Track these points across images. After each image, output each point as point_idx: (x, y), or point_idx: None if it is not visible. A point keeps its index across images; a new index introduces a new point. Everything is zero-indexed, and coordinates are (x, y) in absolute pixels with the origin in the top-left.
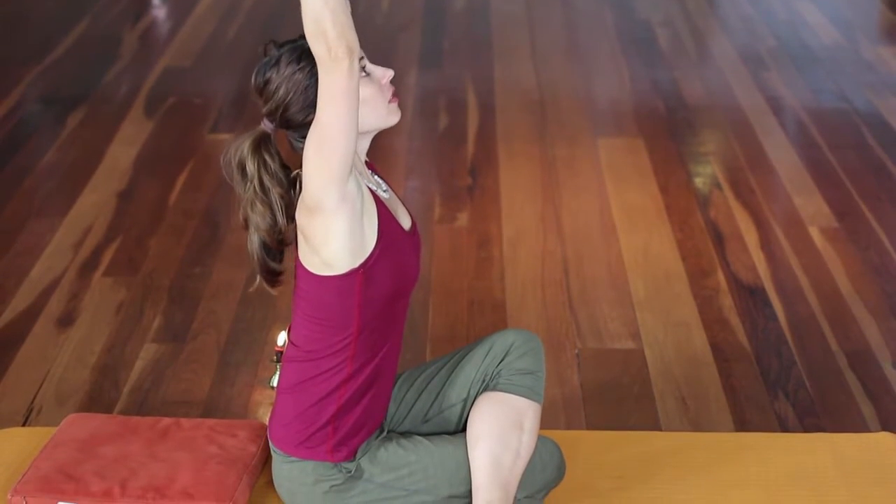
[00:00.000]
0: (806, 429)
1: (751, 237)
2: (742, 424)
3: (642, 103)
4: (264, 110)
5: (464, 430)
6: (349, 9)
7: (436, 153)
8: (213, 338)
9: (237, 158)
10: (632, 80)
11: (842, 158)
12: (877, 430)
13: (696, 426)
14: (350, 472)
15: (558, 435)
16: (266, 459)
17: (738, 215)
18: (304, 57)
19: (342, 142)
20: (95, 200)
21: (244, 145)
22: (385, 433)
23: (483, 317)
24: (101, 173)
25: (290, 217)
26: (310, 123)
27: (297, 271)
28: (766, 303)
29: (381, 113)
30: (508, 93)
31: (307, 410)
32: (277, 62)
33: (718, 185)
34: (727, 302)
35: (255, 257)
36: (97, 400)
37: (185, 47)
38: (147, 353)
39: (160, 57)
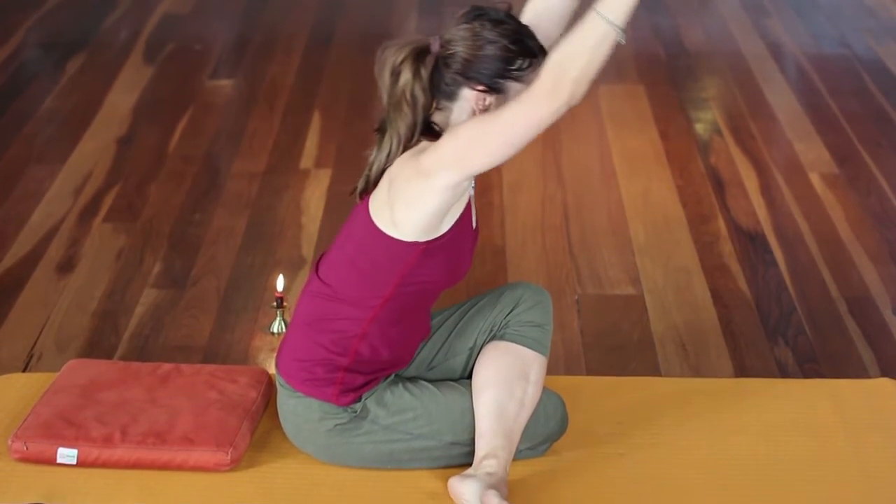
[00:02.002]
0: (805, 374)
1: (751, 183)
2: (742, 370)
3: (643, 50)
4: (446, 36)
5: (468, 377)
6: (601, 65)
7: None
8: (213, 284)
9: (394, 60)
10: (632, 26)
11: (842, 104)
12: (876, 376)
13: (696, 372)
14: (356, 412)
15: (558, 381)
16: (266, 405)
17: (739, 161)
18: (515, 43)
19: (497, 154)
20: (95, 146)
21: (404, 50)
22: (392, 377)
23: (483, 263)
24: (100, 119)
25: (421, 133)
26: (457, 78)
27: (358, 212)
28: (766, 249)
29: None
30: None
31: (318, 350)
32: (496, 22)
33: (719, 132)
34: (727, 248)
35: (375, 165)
36: (97, 346)
37: None
38: (147, 298)
39: (159, 3)
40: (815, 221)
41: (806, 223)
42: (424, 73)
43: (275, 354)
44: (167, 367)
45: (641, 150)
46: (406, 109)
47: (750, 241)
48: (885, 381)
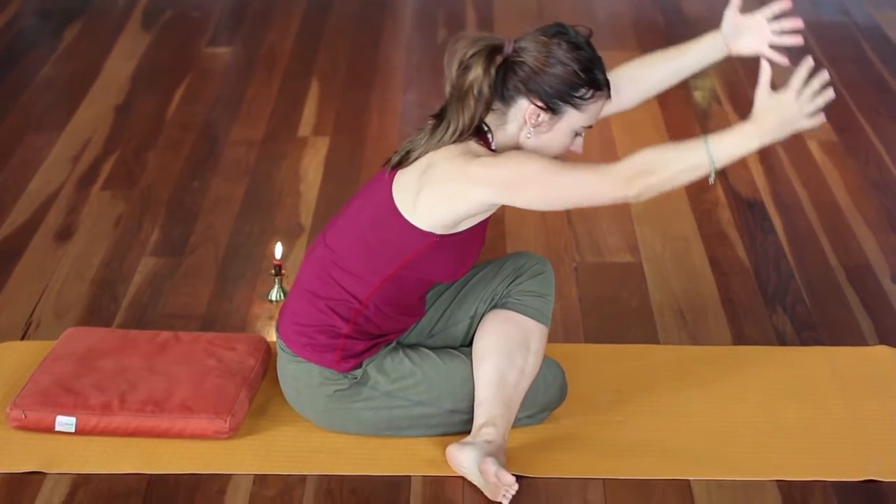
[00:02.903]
0: (804, 342)
1: None
2: (740, 338)
3: (642, 17)
4: (520, 42)
5: (469, 345)
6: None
7: (434, 67)
8: (211, 251)
9: (465, 53)
10: None
11: (841, 72)
12: (874, 344)
13: (695, 339)
14: (356, 378)
15: (557, 348)
16: (265, 373)
17: None
18: (585, 71)
19: (545, 201)
20: (93, 114)
21: (478, 45)
22: (393, 343)
23: None
24: (98, 87)
25: (478, 128)
26: (519, 86)
27: (378, 184)
28: (765, 217)
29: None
30: (507, 6)
31: (319, 316)
32: (573, 45)
33: (717, 99)
34: (726, 215)
35: (421, 148)
36: (96, 313)
37: None
38: (145, 266)
39: None
40: (813, 189)
41: (804, 191)
42: (494, 71)
43: (273, 322)
44: (165, 334)
45: (640, 119)
46: (471, 103)
47: (748, 209)
48: (882, 349)
